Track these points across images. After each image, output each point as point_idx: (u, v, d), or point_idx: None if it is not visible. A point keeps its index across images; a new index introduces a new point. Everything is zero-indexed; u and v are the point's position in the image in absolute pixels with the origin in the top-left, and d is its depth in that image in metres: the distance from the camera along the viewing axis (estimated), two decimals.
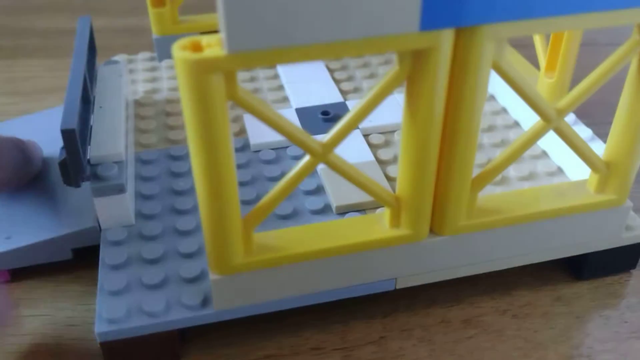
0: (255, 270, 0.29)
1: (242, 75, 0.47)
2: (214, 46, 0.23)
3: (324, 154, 0.26)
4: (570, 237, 0.33)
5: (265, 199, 0.27)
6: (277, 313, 0.32)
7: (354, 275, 0.30)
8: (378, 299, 0.34)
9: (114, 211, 0.33)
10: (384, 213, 0.30)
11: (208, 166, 0.25)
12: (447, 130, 0.27)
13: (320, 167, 0.36)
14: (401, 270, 0.31)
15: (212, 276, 0.28)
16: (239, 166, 0.38)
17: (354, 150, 0.38)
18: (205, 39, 0.23)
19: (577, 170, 0.36)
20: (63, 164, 0.31)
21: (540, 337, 0.32)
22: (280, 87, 0.45)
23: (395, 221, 0.29)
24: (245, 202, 0.35)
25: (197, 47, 0.23)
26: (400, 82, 0.25)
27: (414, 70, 0.25)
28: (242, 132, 0.41)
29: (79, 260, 0.35)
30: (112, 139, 0.34)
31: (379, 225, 0.30)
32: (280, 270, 0.29)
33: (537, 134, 0.29)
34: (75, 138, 0.30)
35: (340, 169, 0.27)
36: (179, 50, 0.23)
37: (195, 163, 0.25)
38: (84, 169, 0.32)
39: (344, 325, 0.33)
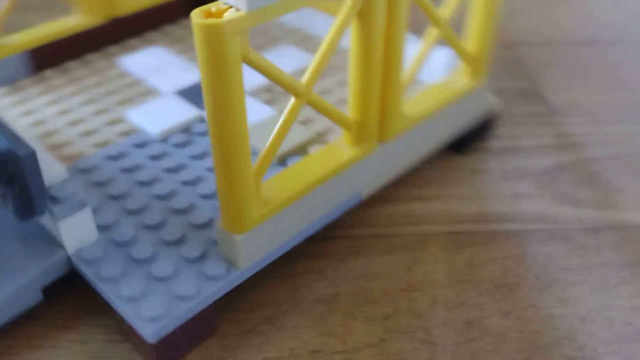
0: (266, 220, 0.31)
1: None
2: (225, 11, 0.25)
3: (307, 93, 0.30)
4: (459, 121, 0.42)
5: (266, 149, 0.30)
6: (275, 315, 0.33)
7: (339, 194, 0.35)
8: (378, 301, 0.34)
9: (79, 230, 0.31)
10: (342, 138, 0.35)
11: (226, 128, 0.27)
12: (386, 56, 0.33)
13: None
14: (365, 181, 0.36)
15: (236, 237, 0.30)
16: (158, 157, 0.38)
17: (255, 113, 0.41)
18: (213, 7, 0.25)
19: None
20: (23, 192, 0.29)
21: (544, 339, 0.31)
22: None
23: (355, 140, 0.34)
24: (204, 196, 0.35)
25: (211, 15, 0.25)
26: (353, 16, 0.30)
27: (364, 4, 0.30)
28: (132, 130, 0.40)
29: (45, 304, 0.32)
30: (44, 160, 0.32)
31: (343, 149, 0.35)
32: (283, 213, 0.32)
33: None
34: (37, 160, 0.28)
35: (320, 104, 0.31)
36: (199, 18, 0.24)
37: (213, 125, 0.27)
38: (45, 192, 0.30)
39: (344, 328, 0.32)
